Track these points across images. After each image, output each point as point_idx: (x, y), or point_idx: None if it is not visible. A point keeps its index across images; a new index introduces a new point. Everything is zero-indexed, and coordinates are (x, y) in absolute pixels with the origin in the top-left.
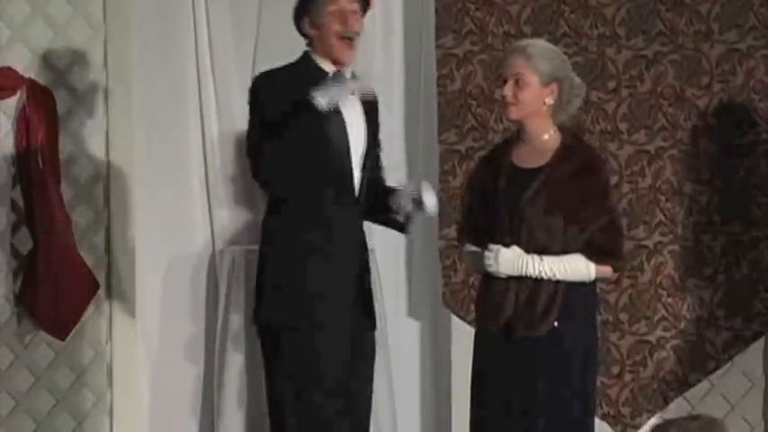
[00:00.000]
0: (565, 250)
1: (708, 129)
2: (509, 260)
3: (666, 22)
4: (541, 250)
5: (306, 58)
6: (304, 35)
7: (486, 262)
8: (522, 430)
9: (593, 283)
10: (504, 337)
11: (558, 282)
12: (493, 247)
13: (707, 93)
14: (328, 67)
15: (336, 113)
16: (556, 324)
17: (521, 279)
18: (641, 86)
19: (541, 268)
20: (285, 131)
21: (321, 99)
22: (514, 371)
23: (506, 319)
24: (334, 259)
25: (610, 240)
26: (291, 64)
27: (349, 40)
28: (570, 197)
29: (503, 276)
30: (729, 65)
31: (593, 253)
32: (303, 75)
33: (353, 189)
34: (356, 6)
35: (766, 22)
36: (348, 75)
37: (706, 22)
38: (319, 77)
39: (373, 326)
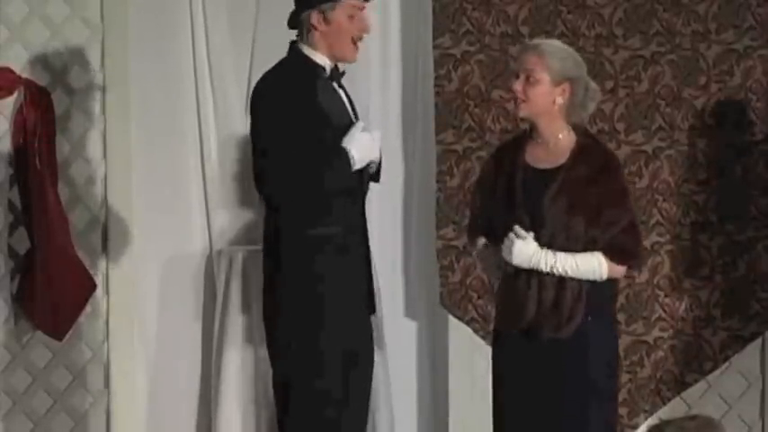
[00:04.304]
0: (585, 251)
1: (705, 129)
2: (524, 253)
3: (664, 23)
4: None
5: (296, 53)
6: (299, 25)
7: (504, 249)
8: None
9: (615, 280)
10: (528, 339)
11: (581, 281)
12: (511, 236)
13: (704, 93)
14: (321, 59)
15: (347, 119)
16: (582, 323)
17: (542, 279)
18: (638, 87)
19: (553, 264)
20: (313, 175)
21: (356, 153)
22: (539, 372)
23: (529, 320)
24: (349, 250)
25: (631, 241)
26: (285, 65)
27: (359, 41)
28: (591, 199)
29: (514, 268)
30: (727, 65)
31: (616, 254)
32: (300, 72)
33: (360, 179)
34: (367, 7)
35: (764, 22)
36: (341, 69)
37: (703, 22)
38: (318, 73)
39: (374, 309)
